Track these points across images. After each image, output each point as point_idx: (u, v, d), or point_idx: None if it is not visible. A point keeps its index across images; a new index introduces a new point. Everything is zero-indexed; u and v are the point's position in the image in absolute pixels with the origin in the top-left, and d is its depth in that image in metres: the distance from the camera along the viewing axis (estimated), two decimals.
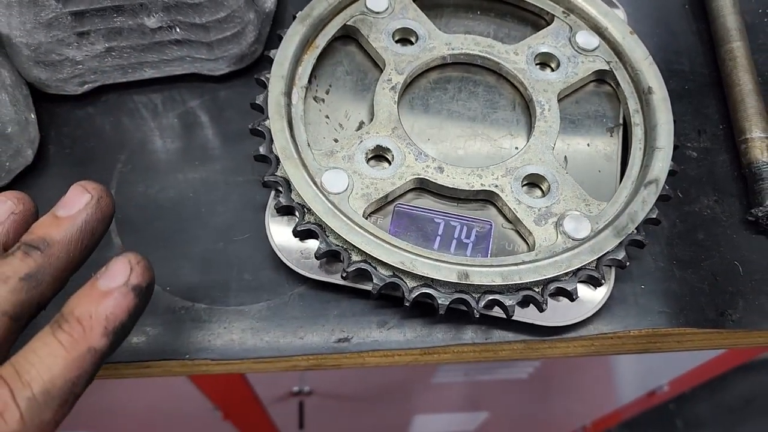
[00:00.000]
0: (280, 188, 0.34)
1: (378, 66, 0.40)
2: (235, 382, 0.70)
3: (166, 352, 0.37)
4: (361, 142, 0.36)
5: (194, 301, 0.39)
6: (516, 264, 0.33)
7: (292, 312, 0.38)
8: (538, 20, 0.44)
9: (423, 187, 0.37)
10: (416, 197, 0.37)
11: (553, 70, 0.41)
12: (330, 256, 0.34)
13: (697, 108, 0.47)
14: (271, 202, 0.38)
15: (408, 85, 0.40)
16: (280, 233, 0.37)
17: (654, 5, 0.52)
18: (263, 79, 0.38)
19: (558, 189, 0.36)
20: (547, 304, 0.33)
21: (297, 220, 0.34)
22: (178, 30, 0.42)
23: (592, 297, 0.36)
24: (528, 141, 0.38)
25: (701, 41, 0.50)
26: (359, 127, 0.38)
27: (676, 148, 0.37)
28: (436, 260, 0.32)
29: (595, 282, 0.34)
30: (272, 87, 0.36)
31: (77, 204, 0.28)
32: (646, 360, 0.83)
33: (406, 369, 0.75)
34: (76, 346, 0.24)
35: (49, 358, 0.24)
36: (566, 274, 0.33)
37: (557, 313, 0.36)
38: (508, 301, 0.33)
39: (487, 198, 0.37)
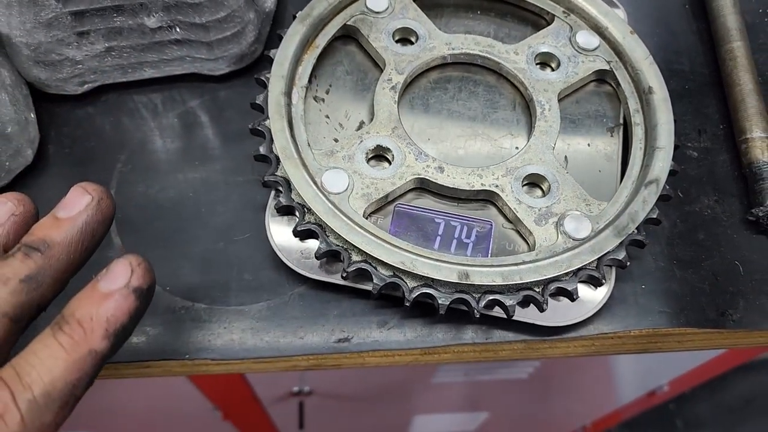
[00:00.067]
0: (280, 188, 0.34)
1: (378, 66, 0.40)
2: (235, 382, 0.70)
3: (166, 352, 0.37)
4: (361, 141, 0.36)
5: (194, 301, 0.38)
6: (516, 264, 0.33)
7: (292, 312, 0.38)
8: (538, 20, 0.44)
9: (423, 187, 0.37)
10: (416, 197, 0.37)
11: (553, 70, 0.41)
12: (330, 256, 0.34)
13: (697, 108, 0.47)
14: (271, 202, 0.37)
15: (408, 85, 0.40)
16: (280, 233, 0.37)
17: (654, 5, 0.52)
18: (263, 78, 0.38)
19: (558, 189, 0.36)
20: (547, 304, 0.33)
21: (297, 220, 0.34)
22: (178, 30, 0.42)
23: (592, 297, 0.36)
24: (528, 141, 0.38)
25: (701, 41, 0.50)
26: (359, 127, 0.38)
27: (676, 147, 0.37)
28: (437, 260, 0.32)
29: (595, 282, 0.34)
30: (272, 87, 0.36)
31: (78, 205, 0.28)
32: (646, 360, 0.83)
33: (406, 369, 0.75)
34: (76, 348, 0.24)
35: (49, 360, 0.24)
36: (567, 274, 0.33)
37: (557, 313, 0.36)
38: (508, 301, 0.33)
39: (487, 198, 0.37)
